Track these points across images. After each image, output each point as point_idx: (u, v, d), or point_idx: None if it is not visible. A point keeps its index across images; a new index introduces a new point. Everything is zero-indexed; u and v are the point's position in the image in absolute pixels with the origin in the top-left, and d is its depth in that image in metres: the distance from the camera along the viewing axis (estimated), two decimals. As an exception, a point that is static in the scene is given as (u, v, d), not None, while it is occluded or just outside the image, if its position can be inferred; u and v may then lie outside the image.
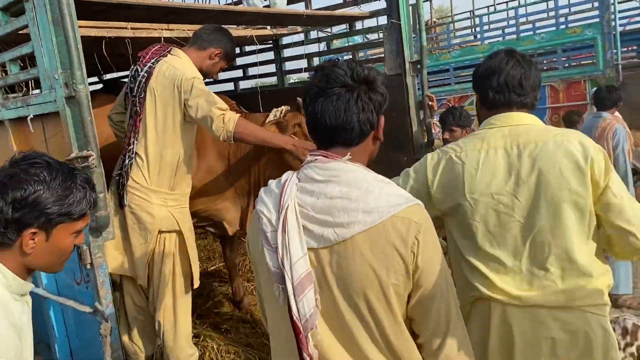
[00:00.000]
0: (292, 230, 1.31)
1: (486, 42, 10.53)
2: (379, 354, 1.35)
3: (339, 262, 1.32)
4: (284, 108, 3.60)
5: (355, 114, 1.35)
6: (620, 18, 10.60)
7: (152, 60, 2.93)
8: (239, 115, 2.92)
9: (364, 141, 1.41)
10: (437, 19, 14.87)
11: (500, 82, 1.98)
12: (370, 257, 1.31)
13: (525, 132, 1.93)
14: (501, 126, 1.98)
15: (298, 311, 1.29)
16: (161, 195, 2.94)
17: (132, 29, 3.79)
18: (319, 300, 1.33)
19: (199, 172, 3.69)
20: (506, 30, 10.85)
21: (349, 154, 1.38)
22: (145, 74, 2.90)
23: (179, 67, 2.92)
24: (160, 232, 2.94)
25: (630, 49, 10.90)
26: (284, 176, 1.41)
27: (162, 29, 3.93)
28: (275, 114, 3.55)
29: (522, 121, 1.97)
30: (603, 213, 1.88)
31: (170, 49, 3.03)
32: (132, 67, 3.02)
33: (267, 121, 3.50)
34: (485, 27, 11.31)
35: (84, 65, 2.44)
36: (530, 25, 10.14)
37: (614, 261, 4.63)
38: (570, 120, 6.61)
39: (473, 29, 12.39)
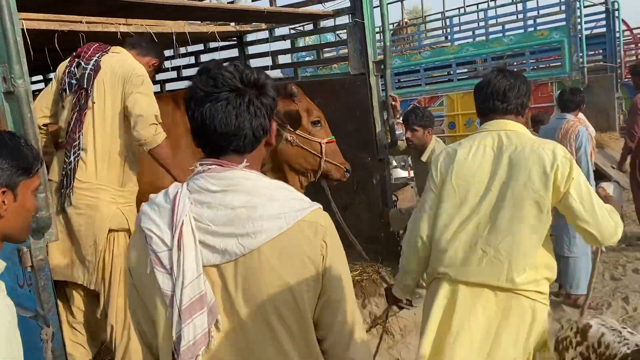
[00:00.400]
0: (188, 248, 1.21)
1: (456, 43, 10.57)
2: None
3: (245, 276, 1.24)
4: None
5: (247, 120, 1.26)
6: (587, 22, 10.80)
7: (97, 55, 2.89)
8: (166, 136, 2.95)
9: (257, 148, 1.33)
10: (410, 19, 14.92)
11: (488, 92, 2.35)
12: (279, 266, 1.24)
13: (510, 137, 2.28)
14: (492, 130, 2.33)
15: (182, 337, 1.21)
16: (110, 192, 2.88)
17: (87, 23, 3.68)
18: (220, 322, 1.25)
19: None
20: (476, 32, 10.92)
21: (245, 161, 1.30)
22: (93, 67, 2.85)
23: (130, 62, 2.93)
24: (110, 230, 2.86)
25: (596, 52, 11.09)
26: (172, 189, 1.29)
27: (119, 24, 3.82)
28: None
29: (510, 127, 2.31)
30: (566, 214, 2.22)
31: (110, 48, 3.02)
32: (68, 63, 2.95)
33: None
34: (456, 29, 11.36)
35: (24, 60, 2.35)
36: (500, 27, 10.23)
37: (575, 263, 4.69)
38: (537, 121, 6.67)
39: (444, 30, 12.46)
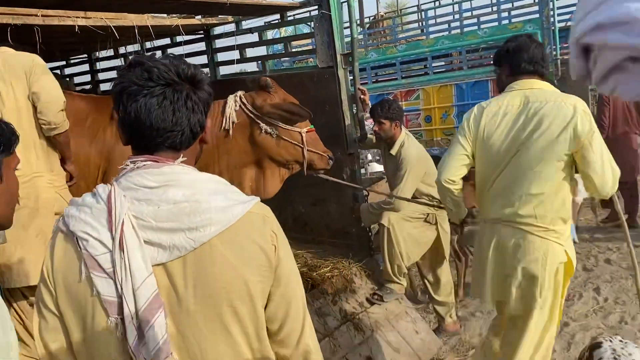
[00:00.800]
0: (132, 248, 1.15)
1: (431, 36, 10.52)
2: None
3: (196, 272, 1.19)
4: (239, 93, 3.59)
5: (185, 115, 1.22)
6: (562, 14, 10.84)
7: None
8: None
9: (193, 144, 1.29)
10: (386, 12, 14.87)
11: (530, 55, 2.63)
12: (232, 258, 1.21)
13: (536, 94, 2.57)
14: (520, 89, 2.63)
15: (150, 340, 1.13)
16: (45, 178, 2.93)
17: (42, 16, 3.55)
18: (169, 325, 1.18)
19: None
20: (451, 25, 10.88)
21: (182, 156, 1.26)
22: None
23: (24, 54, 2.98)
24: (56, 214, 2.87)
25: (571, 44, 11.11)
26: (100, 189, 1.23)
27: (77, 17, 3.69)
28: (234, 99, 3.55)
29: (536, 85, 2.62)
30: (579, 163, 2.48)
31: None
32: None
33: (227, 114, 3.50)
34: (431, 22, 11.31)
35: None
36: (475, 20, 10.21)
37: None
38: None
39: (420, 23, 12.41)
